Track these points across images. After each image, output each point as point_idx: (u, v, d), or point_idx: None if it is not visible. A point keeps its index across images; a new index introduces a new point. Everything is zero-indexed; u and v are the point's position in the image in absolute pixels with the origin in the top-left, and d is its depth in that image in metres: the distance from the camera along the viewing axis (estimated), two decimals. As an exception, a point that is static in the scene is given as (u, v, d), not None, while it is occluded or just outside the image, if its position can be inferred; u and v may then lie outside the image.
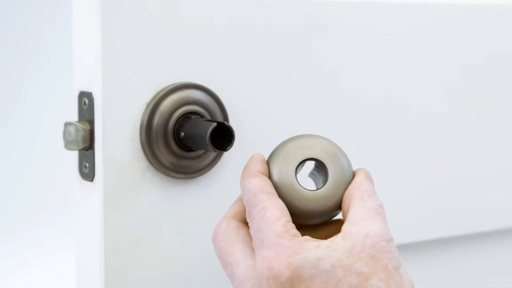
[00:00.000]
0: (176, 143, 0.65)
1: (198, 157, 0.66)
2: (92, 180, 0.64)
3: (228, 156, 0.68)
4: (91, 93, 0.64)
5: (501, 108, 0.84)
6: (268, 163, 0.62)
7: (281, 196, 0.61)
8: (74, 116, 0.66)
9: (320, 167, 0.62)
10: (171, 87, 0.65)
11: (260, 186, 0.60)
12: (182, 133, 0.64)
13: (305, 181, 0.62)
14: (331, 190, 0.61)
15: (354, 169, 0.62)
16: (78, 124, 0.64)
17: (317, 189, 0.61)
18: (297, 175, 0.61)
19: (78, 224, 0.67)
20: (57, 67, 1.87)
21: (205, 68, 0.66)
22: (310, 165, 0.63)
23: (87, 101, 0.64)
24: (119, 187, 0.64)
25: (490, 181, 0.84)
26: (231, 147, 0.62)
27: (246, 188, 0.61)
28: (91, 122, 0.64)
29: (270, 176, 0.62)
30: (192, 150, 0.65)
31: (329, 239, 0.57)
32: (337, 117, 0.74)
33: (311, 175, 0.63)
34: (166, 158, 0.65)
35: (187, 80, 0.65)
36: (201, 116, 0.65)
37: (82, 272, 0.67)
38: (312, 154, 0.62)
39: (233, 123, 0.67)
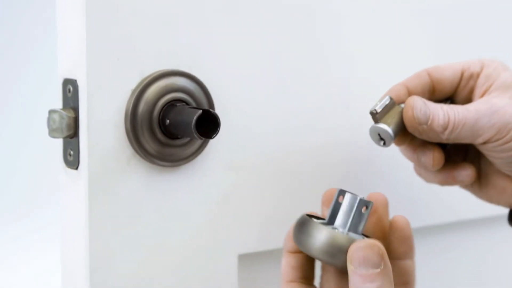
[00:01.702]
0: (161, 131, 0.64)
1: (184, 145, 0.66)
2: (76, 168, 0.64)
3: (213, 144, 0.67)
4: (75, 80, 0.63)
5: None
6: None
7: None
8: (58, 104, 0.65)
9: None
10: (156, 74, 0.64)
11: (284, 270, 0.64)
12: (168, 121, 0.64)
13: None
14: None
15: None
16: (62, 111, 0.63)
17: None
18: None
19: (62, 212, 0.66)
20: (41, 54, 1.86)
21: (191, 55, 0.66)
22: None
23: (71, 88, 0.63)
24: (104, 174, 0.63)
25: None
26: (216, 134, 0.62)
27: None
28: (75, 110, 0.63)
29: None
30: (178, 138, 0.65)
31: None
32: (324, 105, 0.74)
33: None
34: (151, 145, 0.64)
35: (172, 67, 0.65)
36: (187, 103, 0.65)
37: (67, 260, 0.67)
38: (319, 258, 0.60)
39: (218, 110, 0.67)
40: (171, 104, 0.64)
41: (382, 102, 0.66)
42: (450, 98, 0.70)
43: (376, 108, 0.65)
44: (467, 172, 0.71)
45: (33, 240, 1.62)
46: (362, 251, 0.57)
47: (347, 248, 0.58)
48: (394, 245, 0.63)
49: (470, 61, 0.68)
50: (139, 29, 0.63)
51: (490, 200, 0.73)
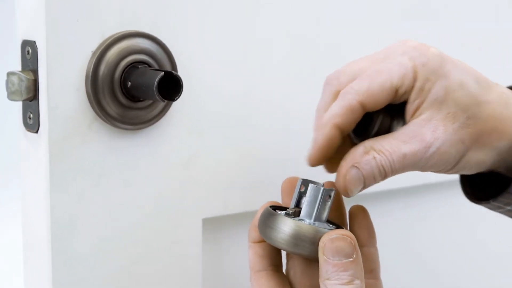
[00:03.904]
0: (123, 93, 0.63)
1: (146, 107, 0.65)
2: (37, 132, 0.63)
3: (176, 106, 0.67)
4: (34, 42, 0.62)
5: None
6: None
7: None
8: (17, 66, 0.64)
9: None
10: (117, 35, 0.63)
11: (251, 260, 0.63)
12: (129, 83, 0.63)
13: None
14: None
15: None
16: (21, 73, 0.62)
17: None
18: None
19: (23, 177, 0.65)
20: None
21: (153, 16, 0.65)
22: None
23: (30, 50, 0.62)
24: (65, 138, 0.62)
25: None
26: (179, 97, 0.61)
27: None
28: (34, 72, 0.62)
29: None
30: (140, 101, 0.64)
31: None
32: (290, 67, 0.73)
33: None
34: (113, 108, 0.63)
35: (134, 29, 0.64)
36: (149, 65, 0.64)
37: (28, 225, 0.66)
38: (286, 249, 0.60)
39: (181, 73, 0.66)
40: (133, 66, 0.63)
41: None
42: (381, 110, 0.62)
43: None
44: None
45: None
46: (335, 242, 0.58)
47: (316, 239, 0.58)
48: (356, 233, 0.63)
49: (402, 71, 0.60)
50: (99, -11, 0.62)
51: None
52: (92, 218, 0.64)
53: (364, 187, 0.60)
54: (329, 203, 0.60)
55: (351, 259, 0.58)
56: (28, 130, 0.64)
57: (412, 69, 0.60)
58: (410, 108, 0.60)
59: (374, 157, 0.59)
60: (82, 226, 0.64)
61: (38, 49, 0.62)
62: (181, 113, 0.67)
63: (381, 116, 0.62)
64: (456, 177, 0.70)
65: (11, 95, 0.63)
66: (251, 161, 0.72)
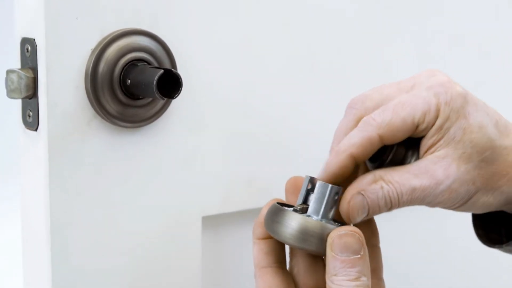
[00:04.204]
0: (123, 91, 0.63)
1: (145, 105, 0.65)
2: (36, 129, 0.63)
3: (176, 104, 0.67)
4: (33, 40, 0.62)
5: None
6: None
7: None
8: (16, 64, 0.64)
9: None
10: (117, 33, 0.63)
11: (256, 257, 0.62)
12: (129, 81, 0.63)
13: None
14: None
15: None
16: (20, 71, 0.62)
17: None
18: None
19: (23, 175, 0.65)
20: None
21: (153, 14, 0.65)
22: None
23: (29, 48, 0.62)
24: (64, 136, 0.62)
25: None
26: (178, 94, 0.61)
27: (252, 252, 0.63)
28: (34, 70, 0.62)
29: None
30: (139, 98, 0.64)
31: None
32: (290, 66, 0.73)
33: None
34: (112, 106, 0.63)
35: (133, 26, 0.64)
36: (148, 63, 0.64)
37: (28, 222, 0.66)
38: (293, 244, 0.60)
39: (181, 70, 0.66)
40: (132, 64, 0.63)
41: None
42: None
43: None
44: None
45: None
46: (344, 238, 0.58)
47: (324, 235, 0.59)
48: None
49: (426, 109, 0.60)
50: (99, -13, 0.62)
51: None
52: (91, 216, 0.64)
53: (368, 215, 0.60)
54: (336, 201, 0.60)
55: (359, 256, 0.58)
56: (28, 128, 0.64)
57: (436, 106, 0.60)
58: (426, 143, 0.61)
59: (382, 187, 0.60)
60: (81, 224, 0.64)
61: (38, 47, 0.61)
62: (180, 111, 0.67)
63: (396, 146, 0.62)
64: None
65: (11, 93, 0.63)
66: (251, 158, 0.72)
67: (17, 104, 0.65)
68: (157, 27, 0.65)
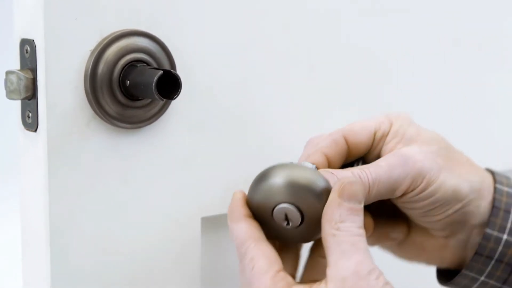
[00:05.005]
0: (122, 92, 0.63)
1: (145, 106, 0.65)
2: (35, 130, 0.63)
3: (175, 105, 0.67)
4: (33, 40, 0.62)
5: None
6: (248, 191, 0.63)
7: (263, 227, 0.62)
8: (15, 65, 0.64)
9: (293, 211, 0.62)
10: (116, 34, 0.63)
11: (247, 232, 0.61)
12: (128, 82, 0.63)
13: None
14: (311, 225, 0.61)
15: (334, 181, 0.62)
16: (20, 72, 0.62)
17: (296, 226, 0.62)
18: (274, 218, 0.62)
19: (22, 175, 0.65)
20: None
21: (152, 15, 0.65)
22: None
23: (29, 49, 0.62)
24: (63, 137, 0.62)
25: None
26: (178, 95, 0.61)
27: (233, 234, 0.62)
28: (33, 71, 0.62)
29: (250, 206, 0.63)
30: (139, 99, 0.64)
31: (315, 284, 0.58)
32: (288, 66, 0.73)
33: (288, 211, 0.62)
34: (111, 107, 0.63)
35: (133, 27, 0.64)
36: (147, 64, 0.64)
37: (27, 223, 0.66)
38: (283, 199, 0.61)
39: (180, 71, 0.66)
40: (132, 64, 0.63)
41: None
42: (362, 157, 0.69)
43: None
44: (400, 228, 0.71)
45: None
46: (354, 186, 0.59)
47: (317, 183, 0.60)
48: None
49: (379, 119, 0.68)
50: (98, -12, 0.62)
51: (410, 258, 0.72)
52: (90, 217, 0.64)
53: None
54: None
55: (361, 206, 0.59)
56: (27, 129, 0.64)
57: (387, 118, 0.68)
58: (387, 148, 0.66)
59: (352, 172, 0.63)
60: (80, 225, 0.64)
61: (37, 48, 0.61)
62: (179, 112, 0.67)
63: (361, 161, 0.67)
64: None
65: (10, 94, 0.63)
66: (250, 159, 0.72)
67: (17, 105, 0.65)
68: (157, 28, 0.65)
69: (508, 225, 0.67)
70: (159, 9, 0.65)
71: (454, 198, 0.66)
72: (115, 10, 0.63)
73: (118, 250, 0.66)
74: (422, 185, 0.64)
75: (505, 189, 0.68)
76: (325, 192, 0.61)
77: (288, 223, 0.62)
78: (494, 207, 0.67)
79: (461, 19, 0.84)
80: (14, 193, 0.75)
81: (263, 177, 0.62)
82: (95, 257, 0.65)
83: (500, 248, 0.66)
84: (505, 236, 0.66)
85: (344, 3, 0.76)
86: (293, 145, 0.74)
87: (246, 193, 0.64)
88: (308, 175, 0.61)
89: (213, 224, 0.71)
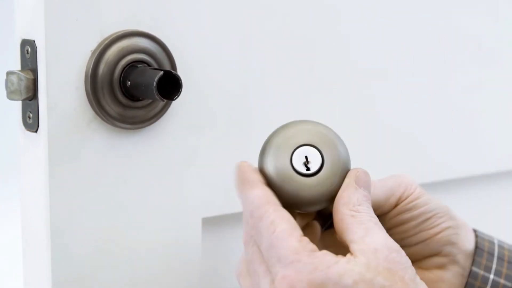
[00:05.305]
0: (123, 93, 0.63)
1: (145, 106, 0.65)
2: (36, 131, 0.63)
3: (176, 106, 0.67)
4: (33, 41, 0.62)
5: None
6: (260, 158, 0.61)
7: (280, 187, 0.59)
8: (16, 65, 0.64)
9: (313, 154, 0.60)
10: (116, 34, 0.63)
11: (264, 196, 0.58)
12: (129, 82, 0.63)
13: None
14: (330, 173, 0.60)
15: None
16: (20, 73, 0.62)
17: (315, 173, 0.60)
18: (293, 163, 0.60)
19: (22, 176, 0.65)
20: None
21: (152, 15, 0.65)
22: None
23: (29, 49, 0.62)
24: (64, 137, 0.62)
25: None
26: (178, 96, 0.61)
27: (248, 199, 0.59)
28: (34, 71, 0.62)
29: (264, 172, 0.60)
30: (139, 100, 0.64)
31: (346, 256, 0.56)
32: (289, 65, 0.73)
33: (309, 152, 0.61)
34: (112, 107, 0.63)
35: (133, 28, 0.64)
36: (148, 64, 0.64)
37: (28, 223, 0.66)
38: (304, 141, 0.60)
39: (181, 72, 0.66)
40: (132, 65, 0.63)
41: None
42: None
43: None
44: None
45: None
46: (367, 176, 0.60)
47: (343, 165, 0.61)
48: None
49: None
50: (99, -11, 0.62)
51: None
52: (91, 217, 0.64)
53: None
54: None
55: (369, 194, 0.60)
56: (28, 130, 0.64)
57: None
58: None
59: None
60: (81, 225, 0.64)
61: (38, 48, 0.61)
62: (180, 112, 0.67)
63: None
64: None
65: (11, 95, 0.63)
66: (251, 160, 0.72)
67: (17, 105, 0.65)
68: (157, 29, 0.65)
69: (494, 266, 0.67)
70: (159, 9, 0.65)
71: (446, 213, 0.66)
72: (116, 11, 0.63)
73: (119, 251, 0.66)
74: (416, 193, 0.65)
75: (486, 237, 0.69)
76: (344, 147, 0.61)
77: (308, 169, 0.60)
78: (477, 248, 0.67)
79: (461, 20, 0.84)
80: (15, 193, 0.75)
81: (282, 126, 0.61)
82: (95, 257, 0.65)
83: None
84: (491, 276, 0.67)
85: (345, 3, 0.76)
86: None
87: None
88: (328, 128, 0.61)
89: (214, 225, 0.71)
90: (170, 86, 0.61)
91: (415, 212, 0.65)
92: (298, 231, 0.57)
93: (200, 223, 0.70)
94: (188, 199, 0.69)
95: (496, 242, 0.68)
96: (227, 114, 0.70)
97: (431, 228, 0.66)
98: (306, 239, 0.56)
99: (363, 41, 0.77)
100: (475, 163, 0.88)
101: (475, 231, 0.69)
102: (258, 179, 0.60)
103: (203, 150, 0.69)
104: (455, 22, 0.84)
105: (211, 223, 0.71)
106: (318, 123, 0.62)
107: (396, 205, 0.65)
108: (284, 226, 0.56)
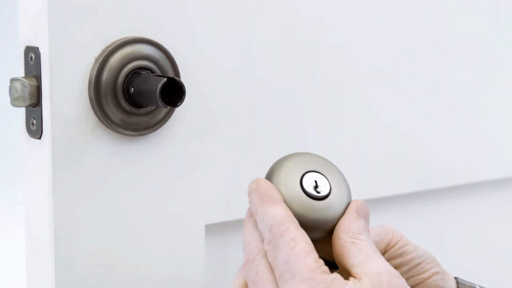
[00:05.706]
0: (126, 99, 0.64)
1: (149, 113, 0.65)
2: (40, 138, 0.63)
3: (179, 112, 0.67)
4: (37, 48, 0.62)
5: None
6: (268, 179, 0.62)
7: (292, 209, 0.60)
8: (20, 72, 0.64)
9: (322, 180, 0.62)
10: (120, 41, 0.63)
11: (286, 215, 0.59)
12: (132, 89, 0.63)
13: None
14: (336, 200, 0.61)
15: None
16: (24, 80, 0.62)
17: (324, 197, 0.61)
18: (304, 186, 0.61)
19: (26, 182, 0.66)
20: (2, 21, 1.82)
21: (156, 22, 0.65)
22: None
23: (33, 56, 0.62)
24: (67, 144, 0.63)
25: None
26: (182, 103, 0.61)
27: (269, 215, 0.59)
28: (38, 78, 0.62)
29: None
30: (143, 107, 0.64)
31: (349, 279, 0.58)
32: (292, 70, 0.73)
33: (318, 178, 0.62)
34: (115, 114, 0.63)
35: (137, 35, 0.64)
36: (152, 71, 0.64)
37: (31, 230, 0.66)
38: (313, 167, 0.62)
39: (184, 78, 0.66)
40: (136, 72, 0.63)
41: None
42: None
43: None
44: None
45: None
46: (366, 208, 0.61)
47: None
48: None
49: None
50: (102, -4, 0.62)
51: None
52: (95, 224, 0.64)
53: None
54: None
55: (368, 225, 0.61)
56: (31, 136, 0.64)
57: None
58: None
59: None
60: (85, 231, 0.64)
61: (41, 55, 0.62)
62: (183, 118, 0.67)
63: None
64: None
65: (14, 101, 0.63)
66: (254, 166, 0.72)
67: (21, 112, 0.65)
68: (161, 36, 0.65)
69: None
70: (163, 16, 0.65)
71: (433, 259, 0.68)
72: (119, 18, 0.63)
73: (122, 256, 0.66)
74: (403, 239, 0.67)
75: (466, 283, 0.70)
76: (346, 180, 0.62)
77: (319, 192, 0.61)
78: None
79: (461, 19, 0.84)
80: (18, 199, 0.75)
81: (288, 155, 0.63)
82: (99, 263, 0.65)
83: None
84: None
85: (345, 6, 0.76)
86: (297, 150, 0.74)
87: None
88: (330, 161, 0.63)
89: (217, 231, 0.71)
90: (174, 92, 0.61)
91: (406, 258, 0.67)
92: (315, 252, 0.58)
93: (204, 229, 0.70)
94: (191, 206, 0.69)
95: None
96: (230, 120, 0.70)
97: (422, 273, 0.68)
98: (321, 261, 0.58)
99: (363, 43, 0.77)
100: (476, 168, 0.88)
101: (455, 278, 0.70)
102: (280, 197, 0.61)
103: (206, 157, 0.69)
104: (456, 24, 0.84)
105: (215, 229, 0.71)
106: (320, 156, 0.63)
107: (385, 251, 0.67)
108: (304, 245, 0.58)
